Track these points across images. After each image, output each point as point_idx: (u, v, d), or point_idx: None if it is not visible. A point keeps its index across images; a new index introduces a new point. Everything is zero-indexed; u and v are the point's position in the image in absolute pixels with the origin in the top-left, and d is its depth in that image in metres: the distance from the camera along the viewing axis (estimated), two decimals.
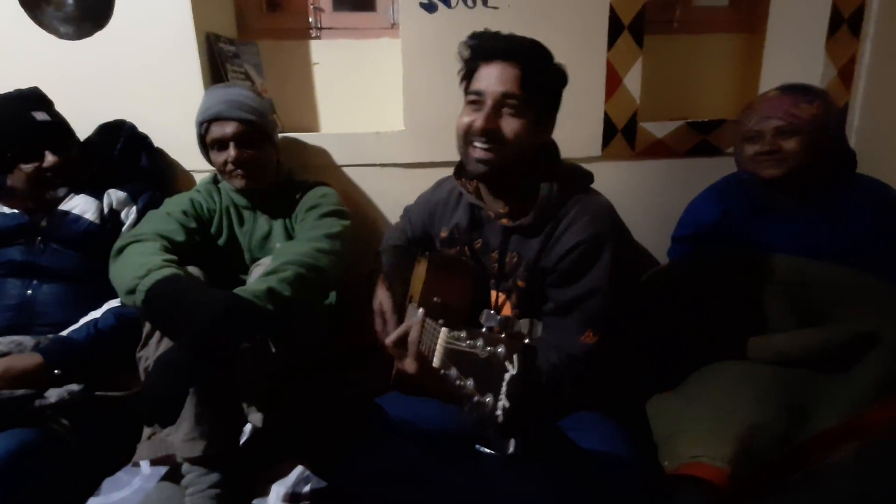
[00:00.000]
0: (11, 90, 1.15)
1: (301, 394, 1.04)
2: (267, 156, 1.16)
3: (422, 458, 0.83)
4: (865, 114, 1.07)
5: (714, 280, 1.08)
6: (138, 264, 0.93)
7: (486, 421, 0.52)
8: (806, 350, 0.92)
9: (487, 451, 0.85)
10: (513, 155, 0.84)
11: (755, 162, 1.08)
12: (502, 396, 0.50)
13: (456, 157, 1.49)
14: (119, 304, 1.11)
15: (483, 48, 0.84)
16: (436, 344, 0.67)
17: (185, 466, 1.03)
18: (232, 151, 1.10)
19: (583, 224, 0.84)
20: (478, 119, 0.83)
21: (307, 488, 1.03)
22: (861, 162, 1.12)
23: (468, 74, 0.87)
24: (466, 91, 0.87)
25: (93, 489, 1.04)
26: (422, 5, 1.38)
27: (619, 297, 0.84)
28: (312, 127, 1.59)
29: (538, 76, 0.82)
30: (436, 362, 0.65)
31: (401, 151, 1.46)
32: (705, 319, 1.04)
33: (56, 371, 1.01)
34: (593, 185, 0.95)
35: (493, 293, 0.94)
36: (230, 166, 1.12)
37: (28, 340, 1.05)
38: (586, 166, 0.96)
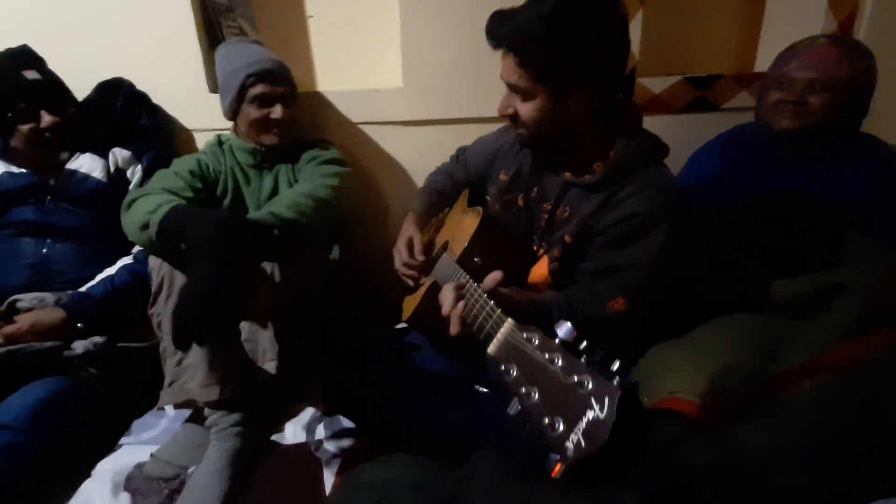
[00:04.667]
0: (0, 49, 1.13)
1: (312, 342, 1.10)
2: (295, 117, 1.23)
3: (428, 397, 0.91)
4: None
5: (711, 231, 1.07)
6: (149, 204, 0.99)
7: (539, 438, 0.47)
8: (783, 300, 0.96)
9: (484, 390, 0.93)
10: (535, 133, 0.85)
11: (775, 109, 1.04)
12: (578, 434, 0.44)
13: (456, 115, 1.48)
14: (132, 262, 1.16)
15: (489, 38, 0.82)
16: (492, 326, 0.61)
17: (207, 409, 1.12)
18: (279, 112, 1.17)
19: (646, 196, 0.82)
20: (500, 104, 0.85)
21: (320, 427, 1.12)
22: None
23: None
24: None
25: (123, 430, 1.13)
26: None
27: (659, 276, 0.84)
28: (308, 84, 1.57)
29: (536, 60, 0.77)
30: (491, 350, 0.59)
31: (399, 109, 1.45)
32: (704, 270, 1.03)
33: (79, 325, 1.07)
34: None
35: (534, 248, 0.94)
36: (271, 123, 1.18)
37: (49, 297, 1.10)
38: None
